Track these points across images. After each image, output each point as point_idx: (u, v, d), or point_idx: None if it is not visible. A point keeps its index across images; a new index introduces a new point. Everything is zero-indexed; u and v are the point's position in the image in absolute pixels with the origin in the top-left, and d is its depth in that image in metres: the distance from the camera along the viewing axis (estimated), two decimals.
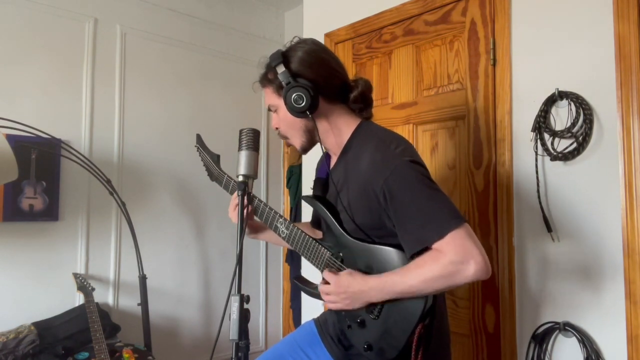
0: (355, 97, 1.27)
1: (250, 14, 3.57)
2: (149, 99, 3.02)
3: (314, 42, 1.28)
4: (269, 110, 1.34)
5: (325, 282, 1.21)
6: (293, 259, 3.30)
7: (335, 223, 1.23)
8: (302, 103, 1.19)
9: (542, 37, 1.71)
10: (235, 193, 1.40)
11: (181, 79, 3.17)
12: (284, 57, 1.23)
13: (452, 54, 2.00)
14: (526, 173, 1.73)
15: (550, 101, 1.66)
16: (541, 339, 1.64)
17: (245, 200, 1.35)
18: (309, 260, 1.29)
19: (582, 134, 1.58)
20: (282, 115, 1.29)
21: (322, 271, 1.25)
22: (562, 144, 1.64)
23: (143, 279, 2.62)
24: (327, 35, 2.50)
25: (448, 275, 1.03)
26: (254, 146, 1.22)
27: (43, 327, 2.36)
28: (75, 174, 2.66)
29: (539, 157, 1.69)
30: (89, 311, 2.31)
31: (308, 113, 1.21)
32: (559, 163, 1.65)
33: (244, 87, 3.47)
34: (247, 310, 1.07)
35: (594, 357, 1.53)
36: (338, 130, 1.27)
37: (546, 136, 1.67)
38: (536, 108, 1.68)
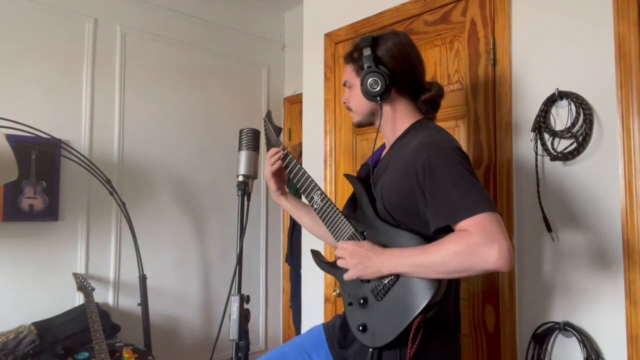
0: (426, 99, 1.34)
1: (250, 14, 3.57)
2: (149, 99, 3.02)
3: (406, 37, 1.35)
4: (344, 85, 1.40)
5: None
6: (293, 259, 3.29)
7: (369, 202, 1.26)
8: (376, 88, 1.26)
9: (542, 37, 1.71)
10: (272, 150, 1.44)
11: (181, 79, 3.17)
12: (372, 42, 1.29)
13: (452, 54, 2.00)
14: (526, 173, 1.73)
15: (550, 101, 1.66)
16: (541, 339, 1.64)
17: (279, 155, 1.41)
18: (331, 233, 1.32)
19: (582, 134, 1.58)
20: (354, 94, 1.36)
21: None
22: (562, 144, 1.63)
23: (143, 279, 2.62)
24: (327, 35, 2.50)
25: (469, 252, 1.01)
26: (254, 146, 1.23)
27: (43, 327, 2.36)
28: (75, 174, 2.66)
29: (539, 157, 1.69)
30: (89, 311, 2.31)
31: (379, 99, 1.27)
32: (558, 163, 1.65)
33: (244, 87, 3.47)
34: (247, 310, 1.07)
35: (594, 357, 1.53)
36: (400, 120, 1.33)
37: (546, 136, 1.67)
38: (536, 108, 1.68)
